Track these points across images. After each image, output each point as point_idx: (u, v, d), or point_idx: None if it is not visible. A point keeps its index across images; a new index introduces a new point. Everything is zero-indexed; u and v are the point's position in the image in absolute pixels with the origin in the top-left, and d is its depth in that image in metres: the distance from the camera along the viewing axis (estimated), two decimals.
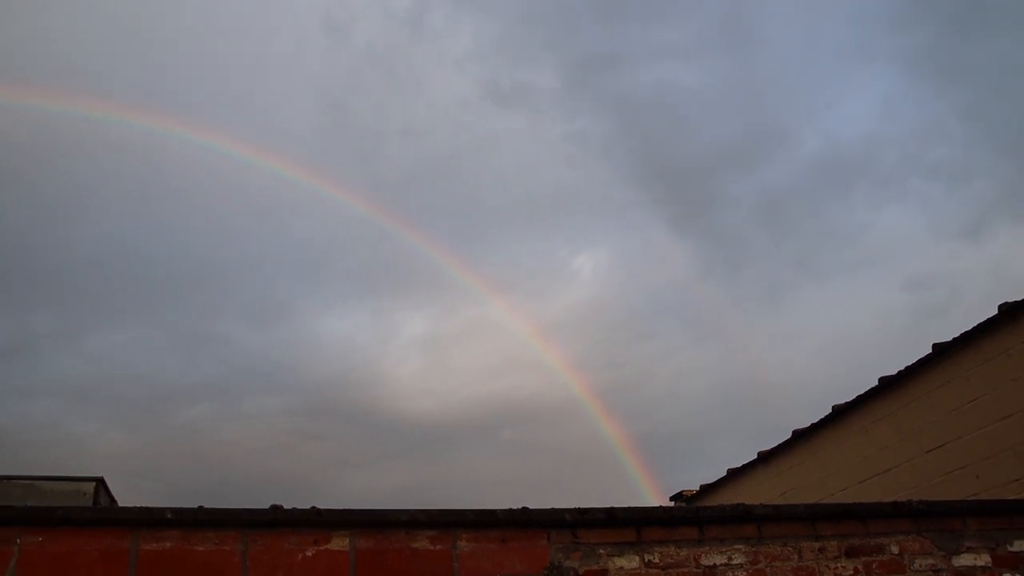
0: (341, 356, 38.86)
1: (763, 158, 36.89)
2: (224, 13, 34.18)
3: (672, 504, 11.21)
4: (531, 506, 3.56)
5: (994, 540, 4.14)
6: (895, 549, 3.99)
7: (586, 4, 34.08)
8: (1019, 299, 6.24)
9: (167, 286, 37.08)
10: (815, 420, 8.71)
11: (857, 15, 36.00)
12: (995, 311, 6.43)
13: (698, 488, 11.17)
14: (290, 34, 35.20)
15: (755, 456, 9.81)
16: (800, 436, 9.00)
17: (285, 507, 3.26)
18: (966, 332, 6.71)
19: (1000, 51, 33.68)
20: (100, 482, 10.10)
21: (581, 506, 3.61)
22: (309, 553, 3.23)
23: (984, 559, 4.08)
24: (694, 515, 3.86)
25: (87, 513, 3.14)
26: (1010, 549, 4.14)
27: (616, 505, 3.66)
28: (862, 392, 7.95)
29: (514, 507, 3.54)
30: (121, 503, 10.04)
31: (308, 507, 3.29)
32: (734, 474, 10.29)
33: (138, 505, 3.15)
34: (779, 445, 9.36)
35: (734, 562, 3.74)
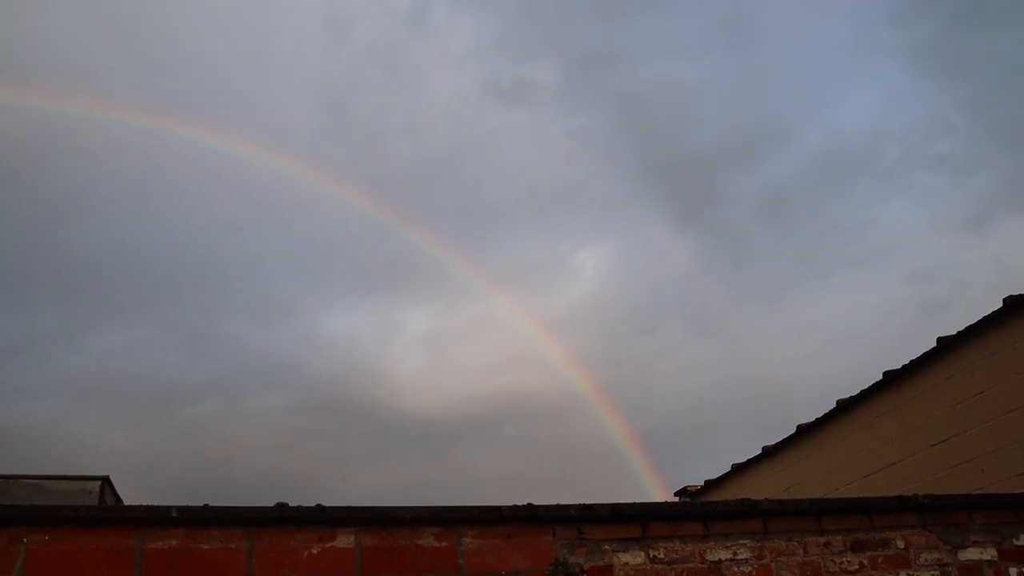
0: (343, 354, 38.87)
1: (765, 154, 36.81)
2: (224, 12, 34.17)
3: (677, 500, 11.22)
4: (535, 502, 3.57)
5: (1000, 534, 4.13)
6: (900, 543, 3.99)
7: (587, 0, 34.03)
8: None
9: (168, 285, 37.11)
10: (819, 415, 8.71)
11: (858, 11, 35.87)
12: (999, 304, 6.42)
13: (702, 483, 11.18)
14: (291, 32, 35.16)
15: (759, 451, 9.81)
16: (804, 431, 9.00)
17: (290, 505, 3.27)
18: (971, 325, 6.70)
19: (1002, 46, 33.58)
20: (106, 481, 10.10)
21: (586, 502, 3.61)
22: (315, 551, 3.24)
23: (990, 553, 4.07)
24: (699, 510, 3.86)
25: (93, 512, 3.15)
26: (1016, 543, 4.14)
27: (621, 501, 3.66)
28: (866, 386, 7.94)
29: (519, 503, 3.54)
30: (125, 502, 10.07)
31: (313, 505, 3.29)
32: (738, 469, 10.29)
33: (142, 504, 3.16)
34: (783, 440, 9.36)
35: (739, 557, 3.74)
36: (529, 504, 3.55)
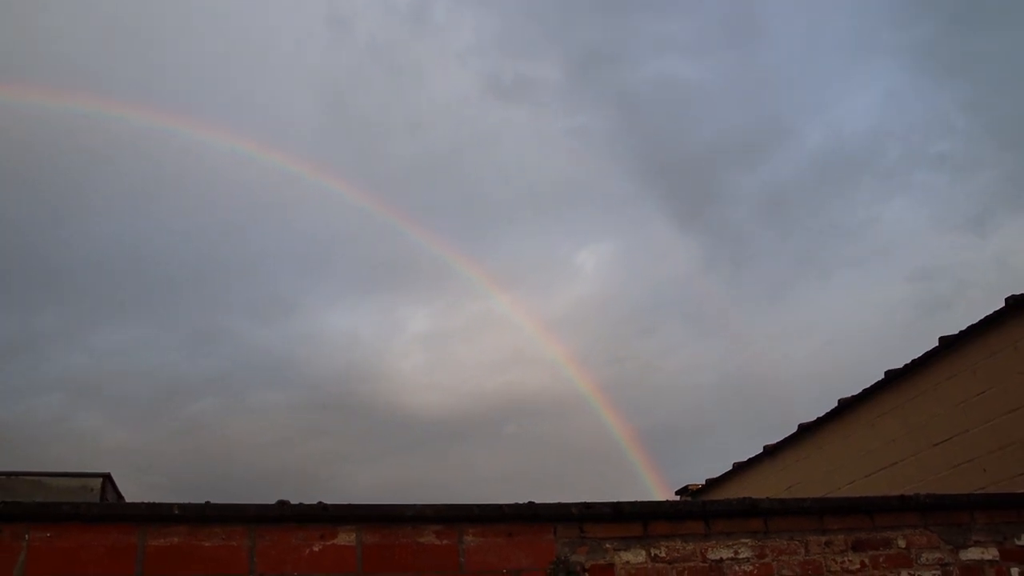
0: (345, 351, 38.90)
1: (766, 153, 36.74)
2: (225, 10, 34.16)
3: (678, 498, 11.22)
4: (536, 501, 3.56)
5: (1002, 534, 4.13)
6: (902, 543, 3.98)
7: None
8: None
9: (169, 283, 37.10)
10: (821, 414, 8.70)
11: (859, 10, 35.80)
12: (1000, 304, 6.41)
13: (704, 482, 11.17)
14: (291, 30, 35.14)
15: (761, 450, 9.80)
16: (806, 430, 8.99)
17: (292, 502, 3.27)
18: (973, 325, 6.69)
19: (1002, 45, 33.52)
20: (107, 478, 10.12)
21: (587, 501, 3.61)
22: (316, 548, 3.24)
23: (992, 553, 4.07)
24: (700, 509, 3.85)
25: (95, 509, 3.16)
26: (1017, 543, 4.13)
27: (622, 500, 3.66)
28: (868, 386, 7.93)
29: (520, 502, 3.54)
30: (126, 499, 10.09)
31: (315, 502, 3.29)
32: (740, 468, 10.29)
33: (143, 501, 3.16)
34: (785, 439, 9.35)
35: (740, 556, 3.74)
36: (530, 502, 3.55)
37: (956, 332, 6.87)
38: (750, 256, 37.07)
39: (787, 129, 37.27)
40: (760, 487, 9.40)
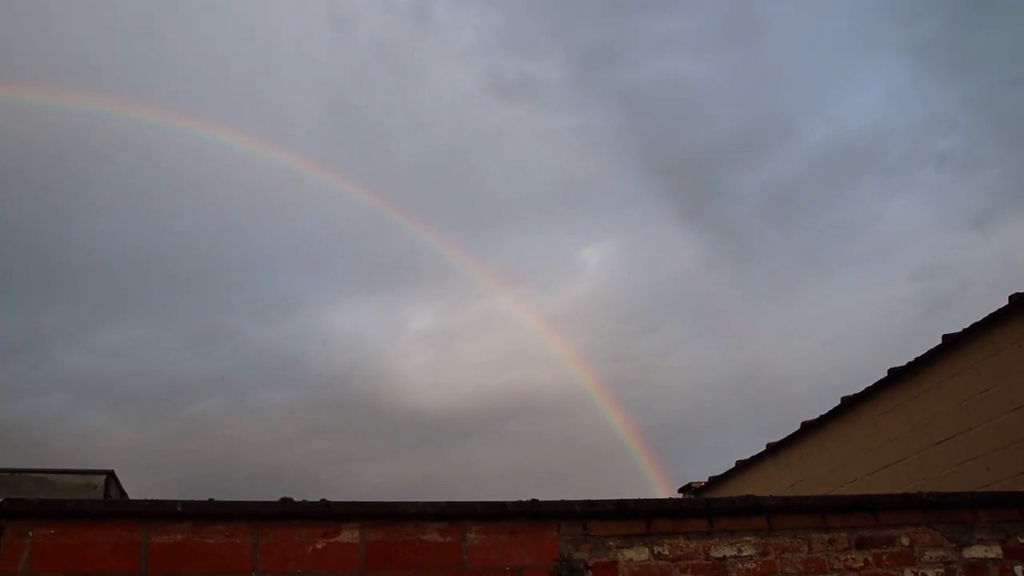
0: (348, 350, 38.94)
1: (769, 150, 36.72)
2: (228, 9, 34.18)
3: (681, 496, 11.21)
4: (539, 499, 3.56)
5: (1005, 532, 4.12)
6: (905, 541, 3.97)
7: None
8: None
9: (174, 281, 37.19)
10: (824, 412, 8.69)
11: (861, 8, 35.76)
12: (1004, 302, 6.39)
13: (707, 480, 11.17)
14: (295, 29, 35.15)
15: (764, 448, 9.79)
16: (809, 428, 8.98)
17: (295, 500, 3.27)
18: (976, 323, 6.67)
19: (1005, 43, 33.41)
20: (110, 475, 10.15)
21: (590, 498, 3.61)
22: (319, 545, 3.24)
23: (995, 551, 4.06)
24: (704, 507, 3.85)
25: (99, 506, 3.16)
26: (1021, 541, 4.12)
27: (625, 497, 3.66)
28: (871, 383, 7.92)
29: (523, 499, 3.54)
30: (130, 496, 10.10)
31: (318, 500, 3.29)
32: (743, 466, 10.29)
33: (147, 498, 3.16)
34: (788, 437, 9.34)
35: (744, 554, 3.73)
36: (534, 500, 3.55)
37: (959, 330, 6.85)
38: (752, 255, 37.05)
39: (789, 128, 37.26)
40: (763, 485, 9.39)
